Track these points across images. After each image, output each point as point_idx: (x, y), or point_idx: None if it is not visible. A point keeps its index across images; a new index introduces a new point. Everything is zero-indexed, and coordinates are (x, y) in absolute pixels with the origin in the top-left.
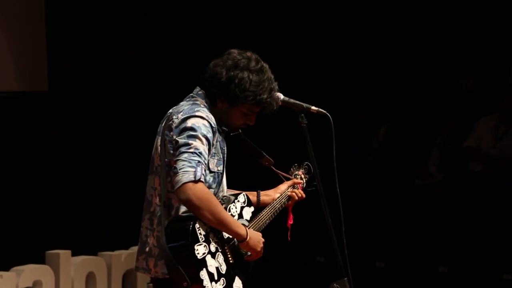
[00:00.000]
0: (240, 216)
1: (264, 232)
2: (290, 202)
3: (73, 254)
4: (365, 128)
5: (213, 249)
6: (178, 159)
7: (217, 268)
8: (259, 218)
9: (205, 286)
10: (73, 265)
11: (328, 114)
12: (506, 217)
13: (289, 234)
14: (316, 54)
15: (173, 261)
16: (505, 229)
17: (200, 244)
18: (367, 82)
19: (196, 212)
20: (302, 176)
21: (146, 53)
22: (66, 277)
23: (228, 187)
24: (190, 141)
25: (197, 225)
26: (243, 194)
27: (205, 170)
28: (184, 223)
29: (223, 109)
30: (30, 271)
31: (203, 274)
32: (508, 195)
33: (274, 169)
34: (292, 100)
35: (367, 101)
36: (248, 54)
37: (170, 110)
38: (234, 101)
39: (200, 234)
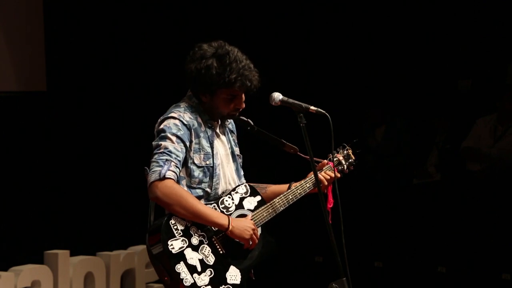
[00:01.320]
0: (240, 206)
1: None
2: (322, 186)
3: (72, 254)
4: (364, 128)
5: (195, 242)
6: (150, 161)
7: (201, 260)
8: (267, 206)
9: (182, 279)
10: (72, 265)
11: (327, 114)
12: (505, 217)
13: (330, 218)
14: (316, 54)
15: (153, 258)
16: (504, 229)
17: (176, 239)
18: (366, 82)
19: (168, 208)
20: (341, 158)
21: (144, 53)
22: (65, 277)
23: (261, 181)
24: (160, 142)
25: (171, 221)
26: (244, 185)
27: (176, 167)
28: (159, 221)
29: (208, 101)
30: (29, 271)
31: (180, 267)
32: (507, 195)
33: (302, 154)
34: (291, 100)
35: (366, 100)
36: (215, 44)
37: None
38: (211, 90)
39: (177, 229)
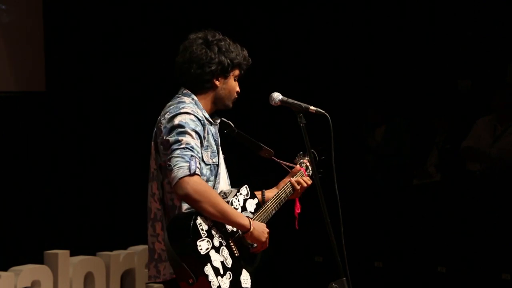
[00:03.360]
0: (244, 208)
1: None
2: (296, 193)
3: (72, 254)
4: (364, 128)
5: (216, 243)
6: (171, 157)
7: (222, 262)
8: (264, 209)
9: (210, 281)
10: (72, 265)
11: (327, 114)
12: (505, 217)
13: (296, 223)
14: (316, 54)
15: (177, 259)
16: (504, 229)
17: (203, 240)
18: (366, 82)
19: (196, 205)
20: (308, 163)
21: (144, 53)
22: (65, 277)
23: (233, 185)
24: (180, 138)
25: (198, 221)
26: (245, 187)
27: (199, 163)
28: (185, 220)
29: (221, 85)
30: (29, 271)
31: (208, 269)
32: (507, 195)
33: (276, 159)
34: (290, 100)
35: (366, 101)
36: (209, 32)
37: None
38: (227, 69)
39: (202, 229)
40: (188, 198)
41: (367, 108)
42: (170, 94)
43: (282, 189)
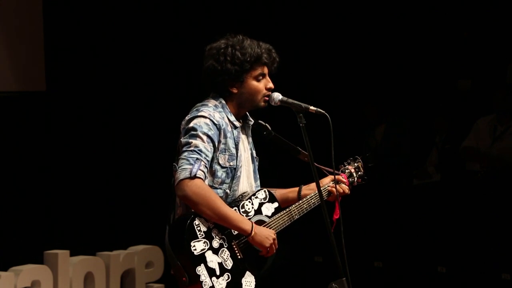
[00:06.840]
0: (258, 212)
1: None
2: (331, 197)
3: (72, 254)
4: (364, 128)
5: (215, 245)
6: (179, 158)
7: (220, 264)
8: (283, 214)
9: (202, 281)
10: (72, 265)
11: (327, 114)
12: (505, 217)
13: (333, 227)
14: (316, 54)
15: (173, 257)
16: (504, 229)
17: (199, 241)
18: (366, 82)
19: (195, 207)
20: (353, 171)
21: (144, 53)
22: (65, 277)
23: (271, 186)
24: (191, 140)
25: (196, 222)
26: (264, 191)
27: (206, 167)
28: (183, 220)
29: (239, 91)
30: (29, 271)
31: (200, 269)
32: (506, 195)
33: (316, 164)
34: (290, 100)
35: (366, 100)
36: (223, 40)
37: None
38: (241, 75)
39: (200, 230)
40: (186, 199)
41: (368, 108)
42: (171, 94)
43: (314, 194)
